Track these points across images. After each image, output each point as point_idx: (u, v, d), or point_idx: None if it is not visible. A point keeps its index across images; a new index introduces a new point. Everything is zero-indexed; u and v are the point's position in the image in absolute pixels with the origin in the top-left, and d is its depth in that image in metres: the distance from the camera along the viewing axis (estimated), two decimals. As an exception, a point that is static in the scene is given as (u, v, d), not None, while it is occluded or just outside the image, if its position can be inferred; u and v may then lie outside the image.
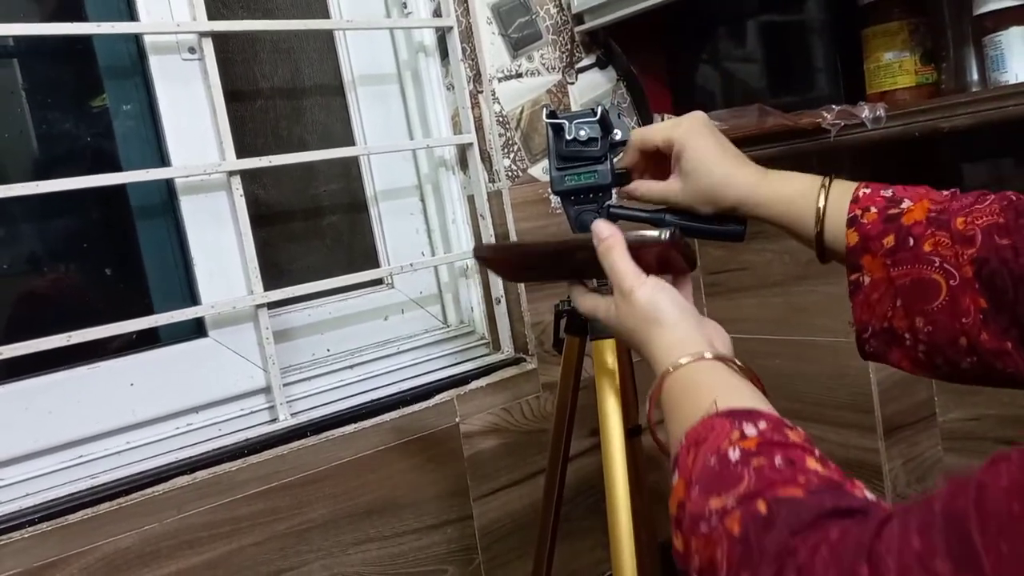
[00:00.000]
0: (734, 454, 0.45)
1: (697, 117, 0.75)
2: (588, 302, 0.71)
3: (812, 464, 0.44)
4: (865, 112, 1.02)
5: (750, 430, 0.47)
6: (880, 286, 0.64)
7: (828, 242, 0.68)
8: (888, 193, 0.66)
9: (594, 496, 1.32)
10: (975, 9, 0.97)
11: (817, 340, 1.25)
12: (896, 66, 1.06)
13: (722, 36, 1.33)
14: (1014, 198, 0.60)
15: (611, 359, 0.83)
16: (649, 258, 0.67)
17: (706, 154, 0.73)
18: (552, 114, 0.81)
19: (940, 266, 0.60)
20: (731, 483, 0.44)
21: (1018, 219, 0.58)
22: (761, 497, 0.42)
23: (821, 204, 0.67)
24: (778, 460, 0.44)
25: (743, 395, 0.53)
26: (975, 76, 1.03)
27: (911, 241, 0.62)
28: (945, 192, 0.64)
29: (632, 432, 0.84)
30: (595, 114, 0.79)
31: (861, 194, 0.66)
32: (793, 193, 0.70)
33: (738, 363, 0.59)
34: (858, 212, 0.65)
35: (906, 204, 0.64)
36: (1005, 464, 0.32)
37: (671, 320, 0.61)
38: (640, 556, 0.79)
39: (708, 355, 0.57)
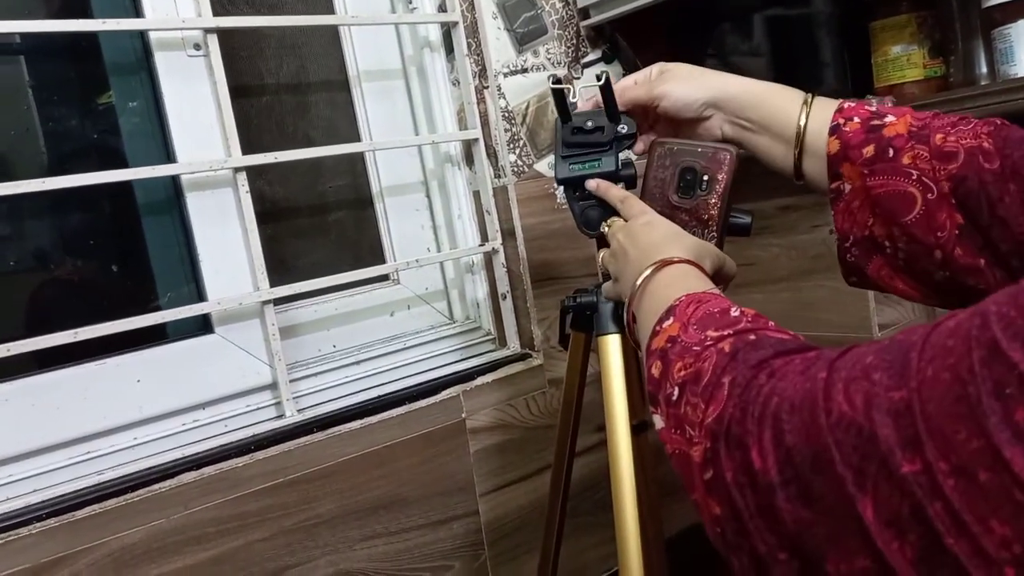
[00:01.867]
0: (735, 311, 0.53)
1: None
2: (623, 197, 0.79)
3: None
4: (873, 106, 1.01)
5: (747, 311, 0.54)
6: (860, 194, 0.66)
7: (807, 146, 0.69)
8: (872, 108, 0.67)
9: (600, 492, 1.32)
10: (983, 2, 0.96)
11: (824, 335, 1.25)
12: (904, 59, 1.05)
13: (728, 30, 1.33)
14: (999, 123, 0.61)
15: (617, 355, 0.82)
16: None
17: (682, 65, 0.79)
18: (557, 81, 0.81)
19: (918, 179, 0.62)
20: (731, 323, 0.51)
21: (1006, 147, 0.59)
22: (754, 332, 0.50)
23: (803, 120, 0.69)
24: (772, 323, 0.52)
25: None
26: (984, 69, 1.02)
27: (891, 152, 0.63)
28: (927, 112, 0.66)
29: (638, 428, 0.84)
30: (599, 79, 0.79)
31: (846, 105, 0.68)
32: (771, 90, 0.73)
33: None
34: (841, 121, 0.67)
35: (889, 119, 0.65)
36: (962, 312, 0.36)
37: (682, 233, 0.71)
38: (646, 552, 0.79)
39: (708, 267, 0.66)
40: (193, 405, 1.05)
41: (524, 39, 1.28)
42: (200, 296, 1.08)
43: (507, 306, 1.26)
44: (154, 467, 0.97)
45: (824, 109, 0.69)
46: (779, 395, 0.42)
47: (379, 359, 1.20)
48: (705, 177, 0.75)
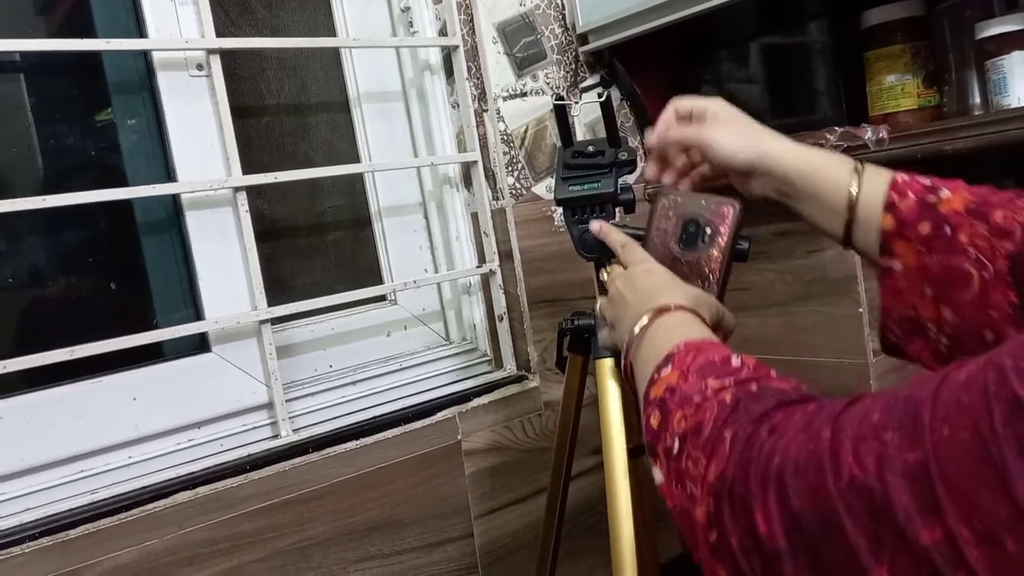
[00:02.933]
0: (736, 360, 0.52)
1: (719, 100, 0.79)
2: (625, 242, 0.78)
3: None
4: (868, 134, 1.03)
5: (748, 359, 0.53)
6: (911, 273, 0.64)
7: (859, 220, 0.67)
8: (926, 182, 0.65)
9: (596, 516, 1.31)
10: (977, 33, 0.98)
11: (819, 360, 1.25)
12: (899, 89, 1.06)
13: (725, 57, 1.34)
14: None
15: (614, 378, 0.83)
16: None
17: (731, 110, 0.76)
18: (560, 98, 0.83)
19: (975, 257, 0.60)
20: (731, 372, 0.50)
21: None
22: (756, 382, 0.49)
23: (855, 191, 0.66)
24: (774, 372, 0.51)
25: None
26: (977, 99, 1.03)
27: (948, 229, 0.61)
28: (983, 187, 0.63)
29: (635, 452, 0.84)
30: (600, 96, 0.80)
31: (900, 179, 0.66)
32: (820, 162, 0.70)
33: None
34: (896, 197, 0.65)
35: (944, 193, 0.63)
36: (971, 363, 0.35)
37: (682, 282, 0.70)
38: (642, 576, 0.79)
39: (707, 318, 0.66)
40: (189, 424, 1.05)
41: (523, 63, 1.29)
42: (198, 315, 1.08)
43: (504, 328, 1.27)
44: (149, 486, 0.97)
45: (876, 183, 0.66)
46: (781, 454, 0.41)
47: (375, 379, 1.20)
48: (708, 230, 0.74)
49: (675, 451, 0.49)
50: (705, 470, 0.45)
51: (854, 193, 0.66)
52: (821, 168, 0.69)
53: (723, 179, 0.79)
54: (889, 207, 0.65)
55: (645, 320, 0.63)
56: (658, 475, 0.51)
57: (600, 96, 0.82)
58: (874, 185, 0.66)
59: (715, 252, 0.73)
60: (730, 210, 0.73)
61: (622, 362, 0.66)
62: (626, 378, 0.66)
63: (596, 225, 0.81)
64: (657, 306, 0.64)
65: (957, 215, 0.61)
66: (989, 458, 0.31)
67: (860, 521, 0.35)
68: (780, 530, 0.39)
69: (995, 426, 0.31)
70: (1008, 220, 0.59)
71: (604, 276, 0.78)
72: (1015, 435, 0.31)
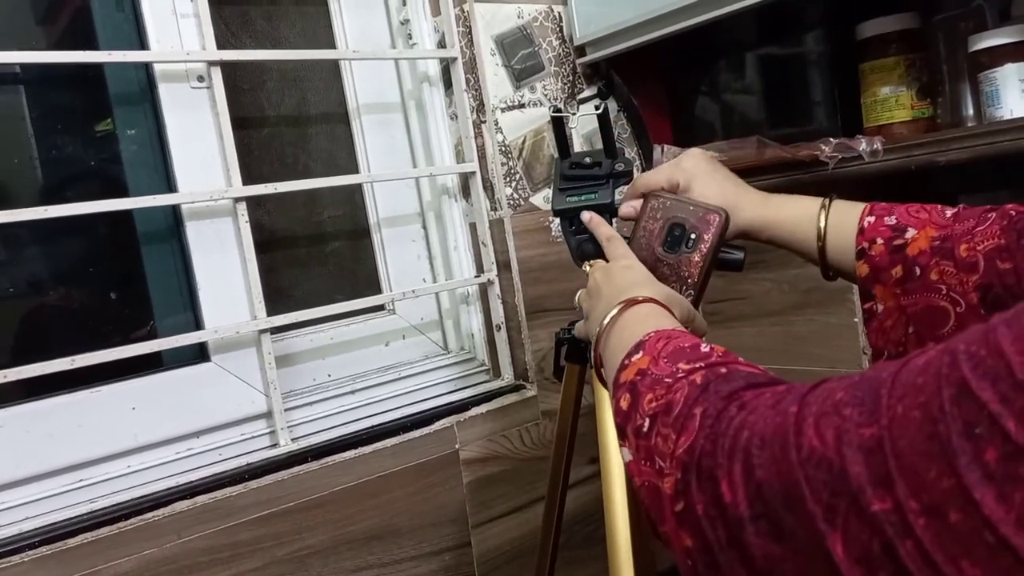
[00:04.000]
0: (705, 346, 0.54)
1: (696, 153, 0.81)
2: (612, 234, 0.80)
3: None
4: (862, 145, 1.04)
5: (717, 347, 0.54)
6: (893, 314, 0.67)
7: (832, 261, 0.72)
8: (892, 221, 0.68)
9: (593, 524, 1.32)
10: (970, 46, 0.99)
11: (815, 370, 1.26)
12: (893, 100, 1.07)
13: (722, 69, 1.35)
14: (1013, 214, 0.62)
15: (611, 387, 0.83)
16: None
17: (712, 183, 0.78)
18: (557, 110, 0.84)
19: (947, 294, 0.63)
20: (701, 357, 0.52)
21: (1019, 239, 0.59)
22: (725, 366, 0.50)
23: (822, 224, 0.72)
24: (741, 359, 0.52)
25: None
26: (971, 111, 1.04)
27: (917, 271, 0.64)
28: (949, 212, 0.66)
29: (632, 460, 0.85)
30: (598, 108, 0.81)
31: (866, 224, 0.69)
32: (798, 214, 0.74)
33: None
34: (865, 244, 0.68)
35: (910, 233, 0.66)
36: (932, 350, 0.37)
37: (658, 282, 0.71)
38: (640, 585, 0.79)
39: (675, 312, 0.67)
40: (188, 433, 1.05)
41: (521, 75, 1.30)
42: (197, 324, 1.09)
43: (502, 337, 1.27)
44: (148, 495, 0.97)
45: (843, 230, 0.71)
46: (749, 428, 0.42)
47: (374, 389, 1.20)
48: (692, 235, 0.75)
49: (645, 429, 0.50)
50: (675, 445, 0.46)
51: (822, 228, 0.72)
52: (787, 221, 0.75)
53: None
54: (860, 255, 0.69)
55: (615, 311, 0.64)
56: (626, 454, 0.52)
57: (597, 108, 0.83)
58: (841, 234, 0.70)
59: (696, 257, 0.75)
60: (716, 218, 0.74)
61: (592, 352, 0.67)
62: (595, 368, 0.67)
63: (587, 215, 0.82)
64: (628, 298, 0.65)
65: (923, 255, 0.65)
66: (936, 434, 0.33)
67: (817, 491, 0.37)
68: (744, 498, 0.41)
69: (943, 406, 0.33)
70: (971, 252, 0.62)
71: (587, 268, 0.79)
72: (961, 415, 0.32)
